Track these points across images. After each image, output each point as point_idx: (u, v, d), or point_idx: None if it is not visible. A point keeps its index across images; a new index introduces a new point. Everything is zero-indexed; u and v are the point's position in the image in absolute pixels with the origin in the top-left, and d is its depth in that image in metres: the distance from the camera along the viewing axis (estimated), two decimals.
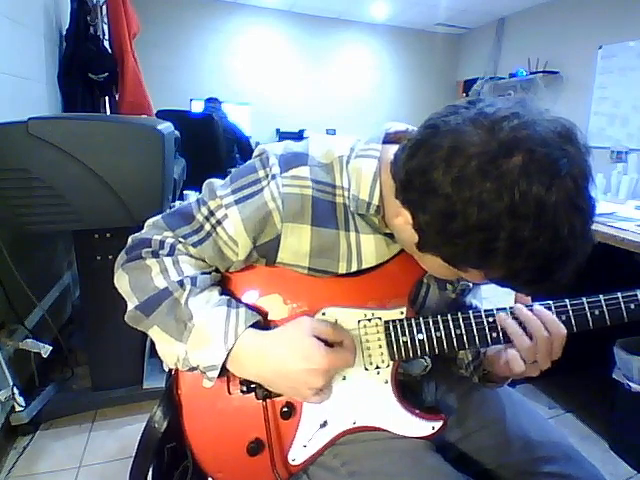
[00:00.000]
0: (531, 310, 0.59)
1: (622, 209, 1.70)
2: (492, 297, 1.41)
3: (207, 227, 0.60)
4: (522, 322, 0.58)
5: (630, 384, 1.36)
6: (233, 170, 0.65)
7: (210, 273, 0.62)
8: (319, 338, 0.57)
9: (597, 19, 3.74)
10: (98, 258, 1.37)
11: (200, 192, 0.64)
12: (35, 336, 1.44)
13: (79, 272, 1.45)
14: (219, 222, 0.60)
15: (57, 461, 1.35)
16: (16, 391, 1.35)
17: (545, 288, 0.59)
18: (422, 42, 5.49)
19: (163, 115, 2.58)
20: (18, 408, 1.38)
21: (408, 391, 0.67)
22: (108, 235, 1.36)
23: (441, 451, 0.64)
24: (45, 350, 1.40)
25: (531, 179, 0.41)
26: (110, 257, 1.35)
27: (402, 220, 0.53)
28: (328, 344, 0.57)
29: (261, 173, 0.60)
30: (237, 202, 0.59)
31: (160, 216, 0.63)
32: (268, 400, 0.61)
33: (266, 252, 0.61)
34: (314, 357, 0.55)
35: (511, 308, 0.60)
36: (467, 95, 5.03)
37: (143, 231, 0.63)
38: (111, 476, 1.30)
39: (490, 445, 0.68)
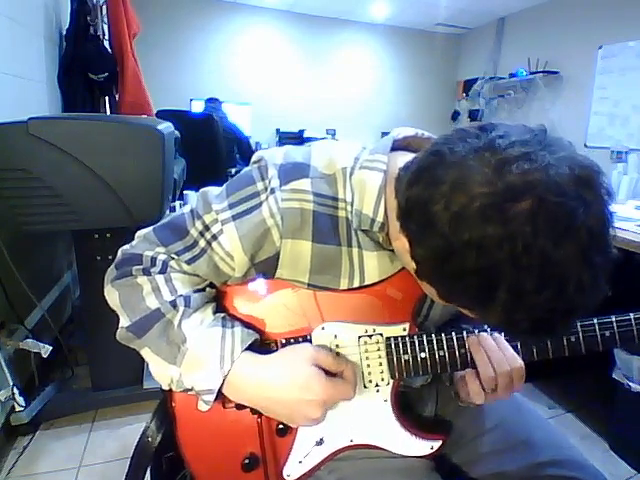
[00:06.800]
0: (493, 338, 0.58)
1: (622, 209, 1.70)
2: None
3: (202, 243, 0.57)
4: (486, 351, 0.58)
5: (630, 384, 1.36)
6: (231, 178, 0.62)
7: (204, 289, 0.59)
8: (319, 367, 0.54)
9: (597, 19, 3.74)
10: (98, 258, 1.37)
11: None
12: (35, 336, 1.44)
13: (79, 272, 1.45)
14: (215, 237, 0.57)
15: (57, 461, 1.35)
16: (16, 391, 1.35)
17: (545, 339, 0.58)
18: (422, 42, 5.48)
19: (163, 115, 2.58)
20: (18, 408, 1.37)
21: (407, 400, 0.65)
22: (108, 235, 1.37)
23: (440, 458, 0.63)
24: (45, 350, 1.40)
25: (537, 230, 0.37)
26: (110, 257, 1.33)
27: (401, 244, 0.49)
28: (329, 373, 0.55)
29: (259, 186, 0.57)
30: (234, 218, 0.56)
31: (152, 228, 0.60)
32: (263, 415, 0.59)
33: (265, 269, 0.59)
34: (313, 388, 0.53)
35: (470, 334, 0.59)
36: (467, 95, 5.04)
37: (133, 243, 0.60)
38: (111, 476, 1.30)
39: (491, 451, 0.67)
